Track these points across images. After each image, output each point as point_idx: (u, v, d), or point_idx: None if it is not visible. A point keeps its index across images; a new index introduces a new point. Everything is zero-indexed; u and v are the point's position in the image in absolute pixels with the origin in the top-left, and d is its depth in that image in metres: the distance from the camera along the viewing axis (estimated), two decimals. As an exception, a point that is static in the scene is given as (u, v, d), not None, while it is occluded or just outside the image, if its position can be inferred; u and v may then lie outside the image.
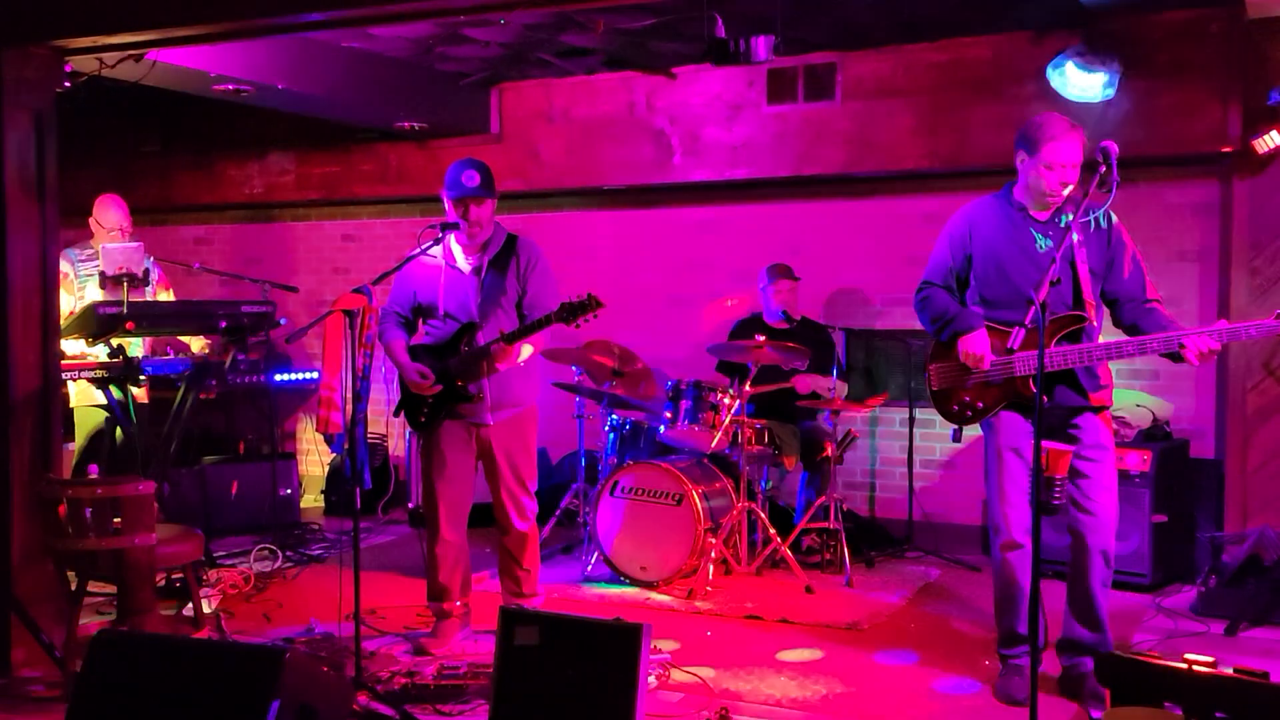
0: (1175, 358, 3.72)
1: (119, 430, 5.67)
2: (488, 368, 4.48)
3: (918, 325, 6.47)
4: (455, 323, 4.55)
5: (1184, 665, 2.47)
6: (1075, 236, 3.83)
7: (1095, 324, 3.92)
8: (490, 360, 4.42)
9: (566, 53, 6.41)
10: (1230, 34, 5.48)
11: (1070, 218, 3.78)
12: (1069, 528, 3.97)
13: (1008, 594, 4.00)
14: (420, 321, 4.70)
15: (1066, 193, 3.88)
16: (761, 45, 5.05)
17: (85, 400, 5.73)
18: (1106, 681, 2.65)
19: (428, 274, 4.59)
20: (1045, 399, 3.79)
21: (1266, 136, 5.38)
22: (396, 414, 4.72)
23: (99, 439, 5.80)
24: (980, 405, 3.96)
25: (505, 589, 4.75)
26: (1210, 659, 2.50)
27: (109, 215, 5.87)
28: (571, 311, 4.29)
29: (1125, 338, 3.86)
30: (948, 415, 4.06)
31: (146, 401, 5.77)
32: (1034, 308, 3.30)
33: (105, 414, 5.65)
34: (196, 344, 5.94)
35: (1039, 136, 3.84)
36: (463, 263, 4.60)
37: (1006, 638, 4.09)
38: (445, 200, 4.52)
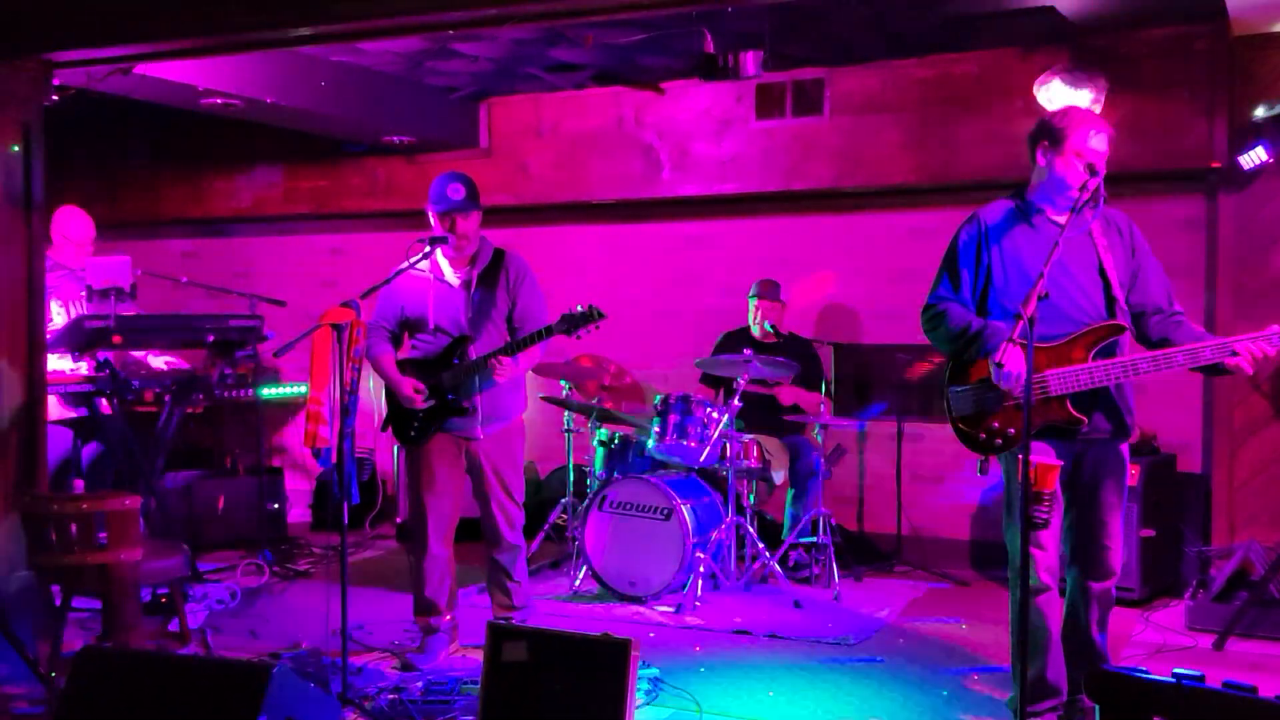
0: (1216, 370, 3.46)
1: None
2: (481, 381, 4.48)
3: (905, 339, 6.55)
4: (446, 336, 4.55)
5: (1172, 680, 2.47)
6: (1099, 243, 3.60)
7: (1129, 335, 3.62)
8: (488, 373, 4.41)
9: (555, 67, 6.42)
10: (1215, 50, 5.52)
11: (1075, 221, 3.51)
12: (1072, 572, 3.72)
13: (1036, 641, 3.60)
14: (407, 336, 4.69)
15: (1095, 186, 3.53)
16: (750, 60, 5.07)
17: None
18: (1095, 697, 2.64)
19: (416, 288, 4.58)
20: (1085, 424, 3.52)
21: (1252, 152, 5.41)
22: (384, 429, 4.71)
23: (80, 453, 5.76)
24: (1012, 432, 3.52)
25: (495, 602, 4.73)
26: (1199, 673, 2.50)
27: (75, 226, 5.82)
28: (573, 323, 4.30)
29: (1169, 349, 3.51)
30: (974, 445, 3.64)
31: (136, 412, 5.75)
32: (1021, 323, 3.14)
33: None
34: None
35: (1064, 124, 3.58)
36: (451, 276, 4.59)
37: (1035, 689, 3.65)
38: (430, 214, 4.53)
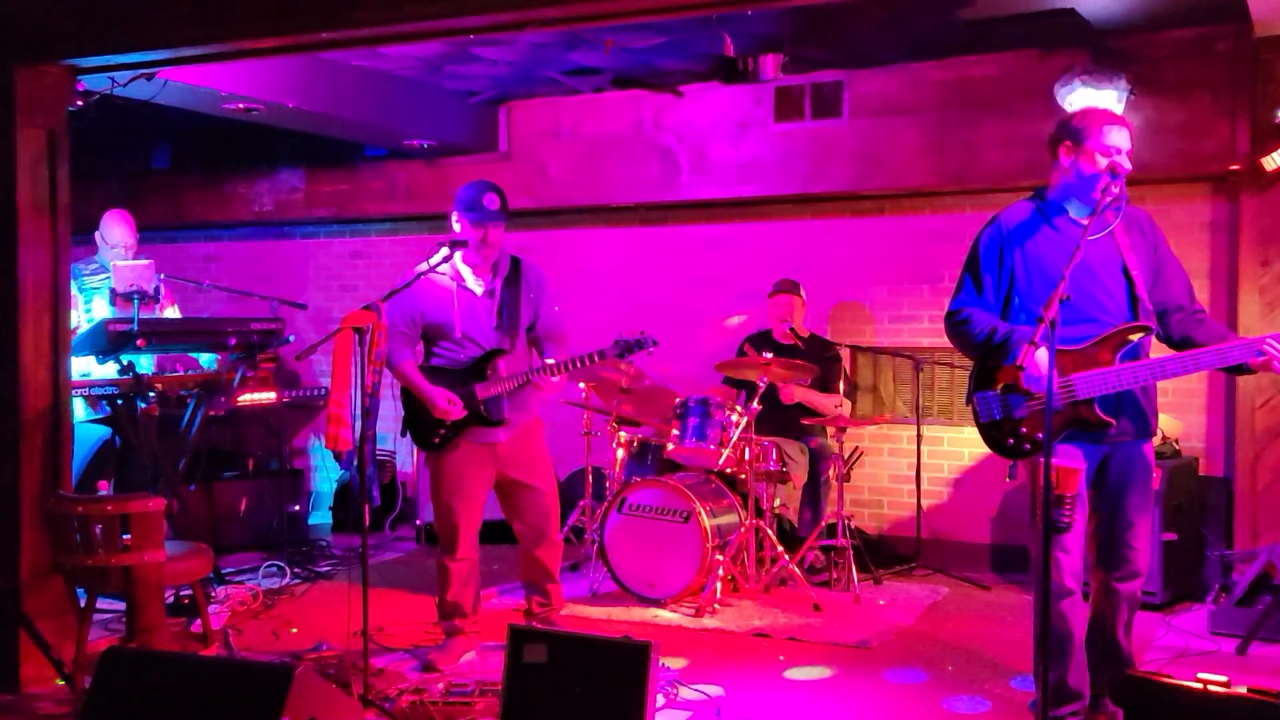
0: (1240, 369, 3.44)
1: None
2: (512, 393, 4.54)
3: (924, 342, 6.55)
4: (476, 347, 4.55)
5: (1198, 685, 2.46)
6: (1121, 246, 3.58)
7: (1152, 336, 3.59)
8: (529, 388, 4.53)
9: (574, 71, 6.44)
10: (1237, 52, 5.50)
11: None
12: (1098, 573, 3.69)
13: (1058, 645, 3.58)
14: (424, 343, 4.69)
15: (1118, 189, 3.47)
16: (769, 63, 5.08)
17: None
18: (1121, 702, 2.63)
19: (439, 294, 4.58)
20: (1113, 426, 3.50)
21: (1275, 154, 5.37)
22: (404, 434, 4.70)
23: (105, 455, 5.80)
24: (1040, 436, 3.47)
25: (533, 604, 4.75)
26: (1224, 678, 2.49)
27: (115, 231, 5.89)
28: (626, 348, 4.48)
29: (1197, 349, 3.50)
30: (1002, 450, 3.62)
31: (156, 415, 5.78)
32: (1043, 325, 3.11)
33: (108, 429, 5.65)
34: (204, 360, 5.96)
35: (1086, 123, 3.57)
36: (474, 284, 4.60)
37: (1056, 693, 3.61)
38: (463, 221, 4.50)
